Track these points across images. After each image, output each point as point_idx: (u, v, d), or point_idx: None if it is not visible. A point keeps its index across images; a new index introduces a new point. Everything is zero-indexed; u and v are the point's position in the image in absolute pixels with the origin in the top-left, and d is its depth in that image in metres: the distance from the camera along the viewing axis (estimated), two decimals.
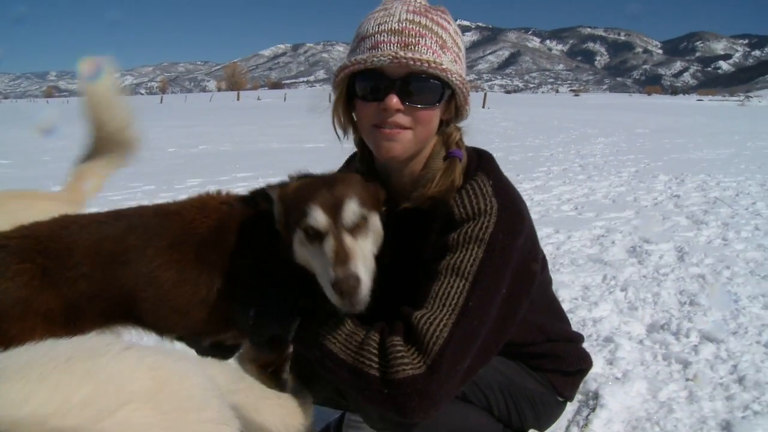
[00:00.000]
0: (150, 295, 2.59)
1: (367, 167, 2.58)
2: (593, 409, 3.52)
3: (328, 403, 2.74)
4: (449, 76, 2.21)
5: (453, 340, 2.03)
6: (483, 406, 2.51)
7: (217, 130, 28.34)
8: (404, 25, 2.20)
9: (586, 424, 3.36)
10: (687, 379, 3.95)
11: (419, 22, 2.21)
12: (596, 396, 3.70)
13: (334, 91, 2.46)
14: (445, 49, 2.24)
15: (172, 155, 17.92)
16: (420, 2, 2.30)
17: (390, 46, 2.19)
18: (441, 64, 2.18)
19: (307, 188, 2.29)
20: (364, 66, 2.23)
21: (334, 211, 2.14)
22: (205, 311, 2.66)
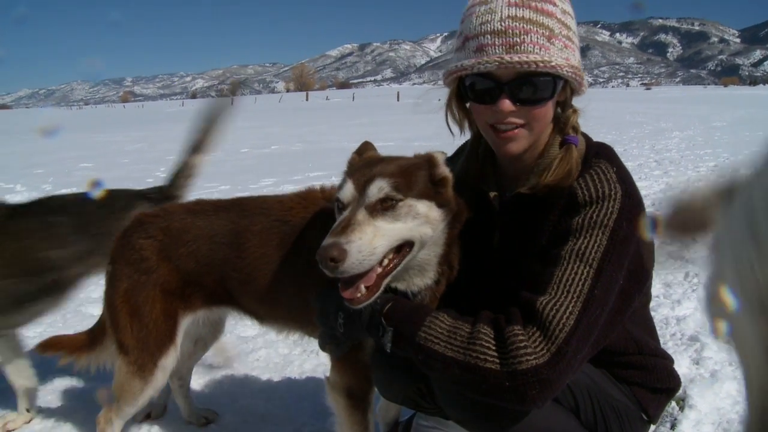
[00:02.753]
0: (242, 275, 2.76)
1: (484, 155, 2.59)
2: (681, 409, 3.43)
3: (407, 404, 2.72)
4: (559, 70, 2.18)
5: (579, 327, 2.01)
6: (571, 408, 2.43)
7: (287, 130, 28.81)
8: (507, 24, 2.16)
9: (674, 425, 3.27)
10: None
11: (522, 17, 2.16)
12: (684, 396, 3.60)
13: (446, 87, 2.49)
14: (553, 39, 2.19)
15: (245, 156, 18.29)
16: None
17: (495, 49, 2.17)
18: (549, 62, 2.14)
19: (363, 162, 2.38)
20: (471, 71, 2.24)
21: (363, 187, 2.19)
22: (289, 302, 2.78)
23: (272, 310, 2.90)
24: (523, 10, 2.17)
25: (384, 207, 2.15)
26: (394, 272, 2.24)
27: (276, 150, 19.77)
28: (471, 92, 2.33)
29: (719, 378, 3.82)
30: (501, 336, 2.03)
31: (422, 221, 2.23)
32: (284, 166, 15.33)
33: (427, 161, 2.35)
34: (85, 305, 5.71)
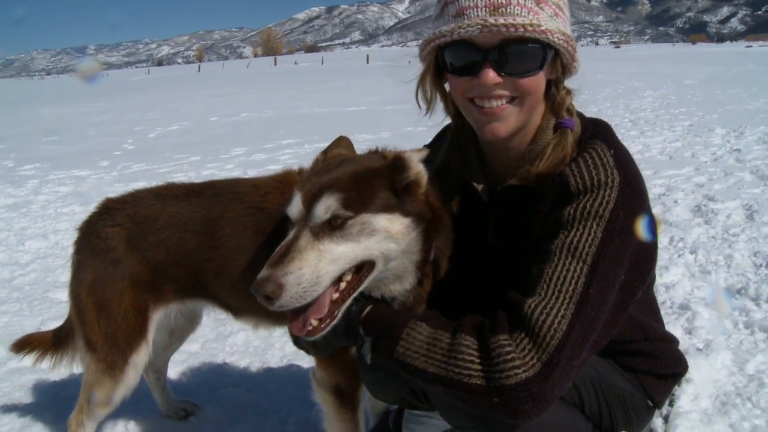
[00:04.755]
0: (215, 265, 2.62)
1: (466, 143, 2.37)
2: (678, 384, 3.33)
3: (400, 403, 2.57)
4: (550, 36, 1.96)
5: (572, 333, 1.82)
6: (574, 402, 2.29)
7: (257, 96, 28.31)
8: None
9: (672, 401, 3.17)
10: None
11: None
12: None
13: (421, 62, 2.24)
14: (542, 3, 1.98)
15: (215, 124, 17.95)
16: None
17: (477, 12, 1.95)
18: (539, 25, 1.94)
19: (318, 167, 2.14)
20: (451, 38, 2.02)
21: (310, 203, 1.96)
22: None
23: (247, 304, 2.71)
24: None
25: (332, 227, 1.92)
26: (353, 295, 2.03)
27: (246, 117, 19.38)
28: (450, 63, 2.11)
29: (713, 348, 3.73)
30: (485, 347, 1.84)
31: (382, 237, 1.97)
32: (255, 134, 15.03)
33: (391, 165, 2.08)
34: (52, 290, 5.48)
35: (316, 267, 1.87)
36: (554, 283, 1.88)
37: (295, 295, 1.84)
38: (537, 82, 2.08)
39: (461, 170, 2.38)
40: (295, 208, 1.99)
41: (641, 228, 2.00)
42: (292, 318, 1.97)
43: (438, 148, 2.51)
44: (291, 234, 1.95)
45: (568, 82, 2.27)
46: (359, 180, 2.01)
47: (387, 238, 1.98)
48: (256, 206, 2.54)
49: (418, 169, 2.09)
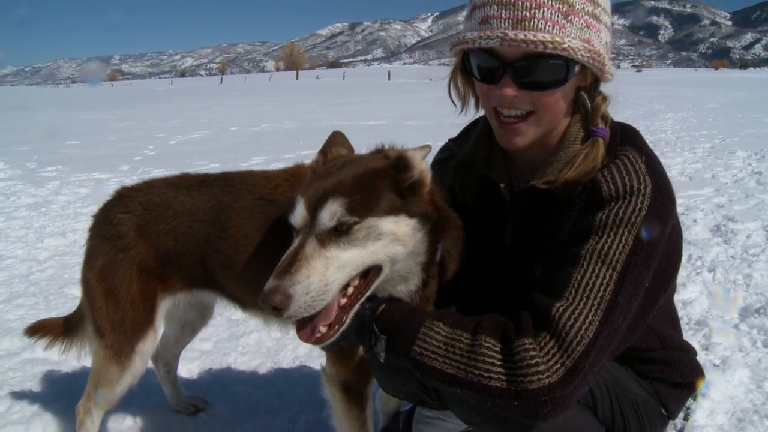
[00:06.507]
0: (223, 256, 2.60)
1: (492, 137, 2.31)
2: (694, 399, 3.28)
3: (411, 399, 2.54)
4: (573, 54, 1.91)
5: (599, 340, 1.80)
6: (588, 404, 2.25)
7: (277, 109, 28.44)
8: None
9: (688, 415, 3.12)
10: None
11: None
12: None
13: (453, 57, 2.23)
14: (571, 16, 1.92)
15: (235, 134, 18.06)
16: None
17: (500, 22, 1.92)
18: (561, 43, 1.88)
19: (321, 170, 2.06)
20: (473, 46, 2.00)
21: (314, 210, 1.89)
22: None
23: (255, 297, 2.70)
24: None
25: (338, 233, 1.87)
26: (361, 300, 2.00)
27: (266, 128, 19.48)
28: (473, 68, 2.09)
29: (730, 365, 3.67)
30: (509, 350, 1.82)
31: (389, 240, 1.93)
32: (275, 144, 15.09)
33: (393, 165, 2.03)
34: (68, 286, 5.51)
35: (324, 275, 1.83)
36: (583, 289, 1.86)
37: (304, 305, 1.80)
38: (556, 98, 2.04)
39: (485, 165, 2.36)
40: (299, 215, 1.93)
41: (668, 233, 1.99)
42: (300, 325, 1.94)
43: (464, 141, 2.50)
44: (296, 242, 1.90)
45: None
46: (363, 183, 1.96)
47: (393, 241, 1.94)
48: (266, 198, 2.53)
49: (422, 167, 2.05)
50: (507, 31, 1.89)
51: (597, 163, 2.04)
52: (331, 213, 1.86)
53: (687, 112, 22.21)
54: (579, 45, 1.92)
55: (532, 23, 1.89)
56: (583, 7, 1.95)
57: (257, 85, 69.81)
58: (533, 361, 1.77)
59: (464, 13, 2.19)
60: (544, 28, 1.89)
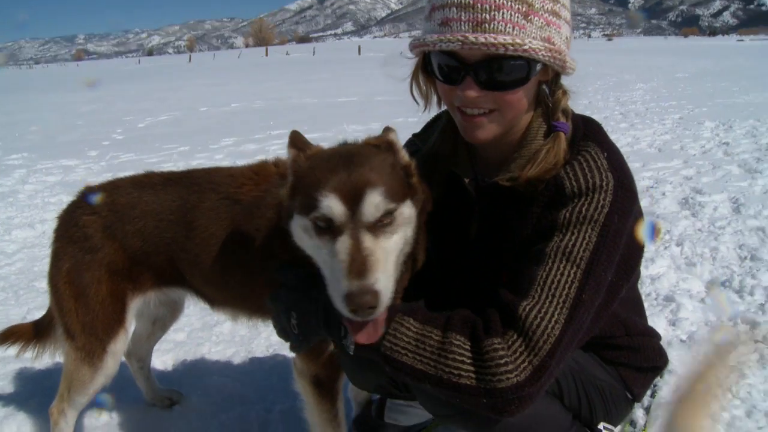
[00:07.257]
0: (190, 255, 2.60)
1: (456, 131, 2.31)
2: (661, 376, 3.35)
3: (379, 392, 2.57)
4: (534, 54, 1.91)
5: (564, 337, 1.84)
6: (555, 393, 2.30)
7: (247, 87, 28.12)
8: None
9: (654, 392, 3.19)
10: (756, 341, 3.75)
11: None
12: None
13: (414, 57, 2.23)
14: (531, 15, 1.92)
15: (205, 115, 17.85)
16: None
17: (460, 25, 1.91)
18: (522, 45, 1.87)
19: (324, 164, 1.94)
20: (433, 49, 2.00)
21: (353, 202, 1.80)
22: (239, 288, 2.58)
23: (222, 295, 2.72)
24: None
25: (383, 223, 1.83)
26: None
27: (236, 108, 19.26)
28: (435, 69, 2.09)
29: (697, 340, 3.76)
30: (478, 349, 1.85)
31: (410, 225, 1.94)
32: (245, 124, 14.96)
33: (387, 148, 2.01)
34: (39, 279, 5.43)
35: (387, 266, 1.80)
36: (548, 287, 1.89)
37: (387, 299, 1.75)
38: (518, 96, 2.05)
39: (449, 160, 2.36)
40: (337, 209, 1.80)
41: (632, 230, 2.02)
42: (358, 327, 1.86)
43: (427, 136, 2.50)
44: (346, 237, 1.79)
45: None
46: (382, 171, 1.91)
47: (409, 224, 1.94)
48: (232, 197, 2.52)
49: (404, 151, 2.06)
50: (467, 35, 1.89)
51: (559, 159, 2.06)
52: (375, 204, 1.81)
53: (657, 82, 22.38)
54: (539, 45, 1.92)
55: (492, 25, 1.89)
56: (543, 5, 1.95)
57: (226, 62, 68.93)
58: (502, 361, 1.81)
59: (423, 5, 2.18)
60: (505, 29, 1.89)
